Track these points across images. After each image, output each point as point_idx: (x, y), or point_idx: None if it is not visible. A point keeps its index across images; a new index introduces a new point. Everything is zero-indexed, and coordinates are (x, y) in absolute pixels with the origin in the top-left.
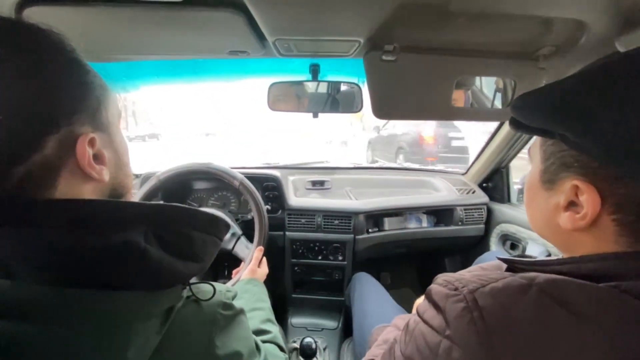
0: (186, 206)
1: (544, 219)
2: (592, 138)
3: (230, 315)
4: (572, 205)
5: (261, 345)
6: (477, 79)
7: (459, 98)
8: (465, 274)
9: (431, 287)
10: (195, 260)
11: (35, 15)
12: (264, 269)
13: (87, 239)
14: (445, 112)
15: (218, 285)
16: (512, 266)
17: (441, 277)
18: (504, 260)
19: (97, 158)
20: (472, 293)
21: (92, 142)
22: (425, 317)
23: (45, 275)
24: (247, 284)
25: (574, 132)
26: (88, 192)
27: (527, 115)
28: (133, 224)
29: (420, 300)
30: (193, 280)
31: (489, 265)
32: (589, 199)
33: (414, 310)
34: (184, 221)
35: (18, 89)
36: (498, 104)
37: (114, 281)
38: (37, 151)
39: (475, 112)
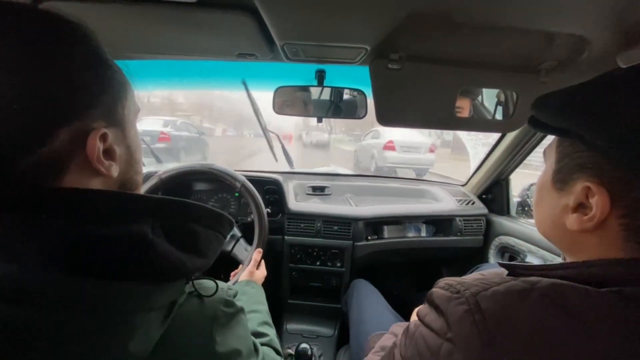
0: (192, 201)
1: (551, 219)
2: (609, 139)
3: (231, 312)
4: (581, 207)
5: (259, 346)
6: (481, 90)
7: (465, 106)
8: (466, 278)
9: (432, 291)
10: (199, 255)
11: (50, 9)
12: (262, 272)
13: (95, 229)
14: (448, 122)
15: (220, 282)
16: (513, 271)
17: (443, 281)
18: (505, 266)
19: (108, 153)
20: (474, 296)
21: (104, 138)
22: (427, 321)
23: (50, 262)
24: (245, 285)
25: (591, 132)
26: (95, 186)
27: (547, 113)
28: (141, 216)
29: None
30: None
31: (488, 272)
32: (599, 201)
33: (413, 316)
34: (190, 216)
35: (33, 78)
36: (499, 116)
37: (119, 271)
38: (48, 143)
39: (478, 122)
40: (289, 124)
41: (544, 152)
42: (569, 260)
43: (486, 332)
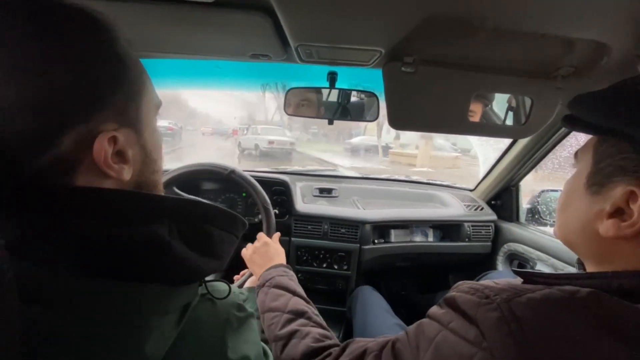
0: (206, 202)
1: (581, 224)
2: None
3: (243, 317)
4: (618, 212)
5: (269, 352)
6: (494, 95)
7: (477, 110)
8: (486, 282)
9: (455, 296)
10: (214, 257)
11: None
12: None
13: (111, 229)
14: (461, 126)
15: (232, 286)
16: (530, 280)
17: (465, 285)
18: (520, 274)
19: (120, 155)
20: (507, 302)
21: (114, 140)
22: (454, 327)
23: (66, 263)
24: (250, 291)
25: None
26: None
27: (588, 110)
28: (157, 217)
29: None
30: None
31: (500, 281)
32: None
33: None
34: (204, 217)
35: (40, 80)
36: (509, 121)
37: (136, 273)
38: (55, 146)
39: (491, 127)
40: (230, 116)
41: (576, 154)
42: (589, 269)
43: (525, 343)
